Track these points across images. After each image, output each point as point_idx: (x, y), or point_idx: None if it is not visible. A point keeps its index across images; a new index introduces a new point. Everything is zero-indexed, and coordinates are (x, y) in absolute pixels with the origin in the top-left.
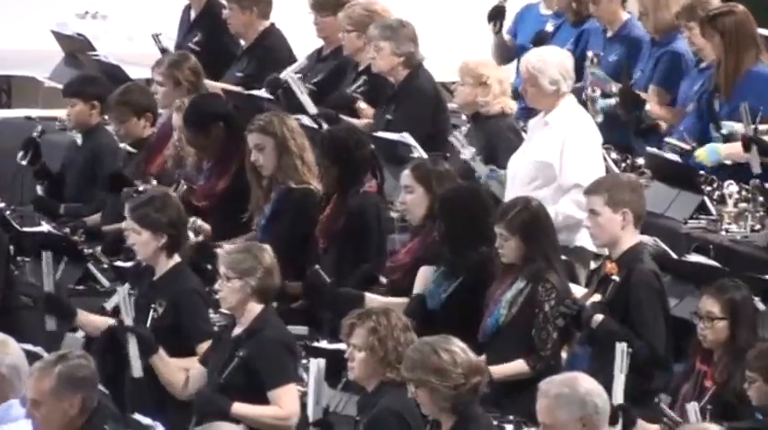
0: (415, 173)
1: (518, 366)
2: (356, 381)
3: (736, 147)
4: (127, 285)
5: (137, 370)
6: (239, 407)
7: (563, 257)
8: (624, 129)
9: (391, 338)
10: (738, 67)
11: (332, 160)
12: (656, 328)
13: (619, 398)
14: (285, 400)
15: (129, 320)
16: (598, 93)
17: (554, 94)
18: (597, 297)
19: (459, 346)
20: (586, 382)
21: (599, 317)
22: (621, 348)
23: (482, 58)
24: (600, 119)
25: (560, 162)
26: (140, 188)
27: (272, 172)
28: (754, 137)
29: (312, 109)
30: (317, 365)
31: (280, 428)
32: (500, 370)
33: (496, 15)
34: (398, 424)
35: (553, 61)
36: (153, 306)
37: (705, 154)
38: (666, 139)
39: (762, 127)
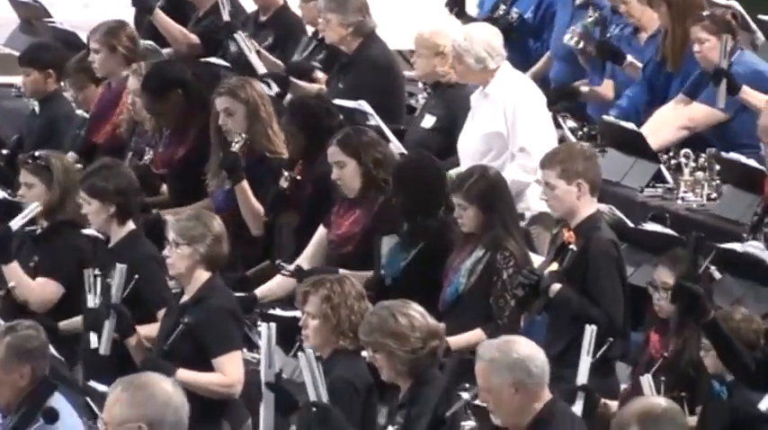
0: (343, 147)
1: (475, 335)
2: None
3: None
4: (90, 269)
5: (105, 347)
6: (183, 373)
7: (523, 224)
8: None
9: (345, 307)
10: (686, 36)
11: (299, 127)
12: (615, 297)
13: (583, 378)
14: (229, 368)
15: (94, 300)
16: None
17: (482, 71)
18: (555, 265)
19: (417, 311)
20: (522, 347)
21: (556, 286)
22: (591, 330)
23: (436, 27)
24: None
25: (506, 129)
26: None
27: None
28: (726, 71)
29: (261, 69)
30: (267, 329)
31: (223, 395)
32: (458, 340)
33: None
34: (350, 393)
35: (479, 39)
36: (111, 273)
37: None
38: (605, 117)
39: None
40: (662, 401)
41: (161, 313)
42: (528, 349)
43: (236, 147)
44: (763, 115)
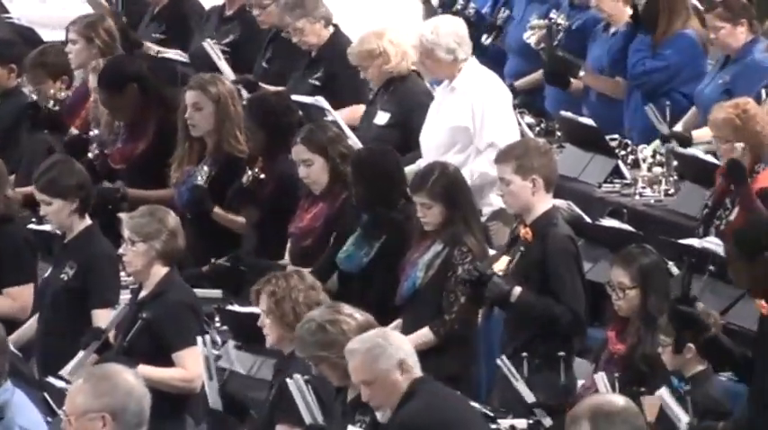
0: (309, 144)
1: (423, 335)
2: (272, 347)
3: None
4: None
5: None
6: (143, 370)
7: (483, 220)
8: (539, 94)
9: (288, 300)
10: (670, 29)
11: (259, 125)
12: (575, 293)
13: (530, 398)
14: (189, 362)
15: None
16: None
17: (453, 63)
18: (504, 259)
19: (345, 313)
20: (391, 335)
21: (517, 290)
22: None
23: (358, 38)
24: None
25: (473, 124)
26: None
27: (203, 134)
28: (672, 134)
29: (230, 75)
30: (203, 345)
31: (184, 390)
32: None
33: None
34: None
35: (447, 31)
36: (64, 269)
37: None
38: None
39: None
40: (618, 400)
41: (98, 313)
42: (396, 336)
43: (200, 181)
44: (714, 109)
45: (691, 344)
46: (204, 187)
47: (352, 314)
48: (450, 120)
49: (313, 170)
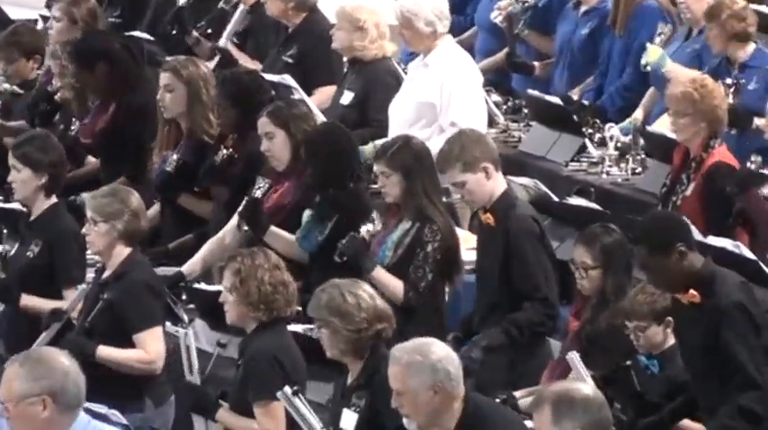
0: (273, 118)
1: (396, 287)
2: (232, 324)
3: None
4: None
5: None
6: (104, 350)
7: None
8: (506, 72)
9: (254, 278)
10: (632, 3)
11: (231, 102)
12: (544, 273)
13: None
14: (150, 344)
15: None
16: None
17: (431, 36)
18: (473, 241)
19: (367, 292)
20: (438, 349)
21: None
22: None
23: (359, 2)
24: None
25: (440, 101)
26: None
27: (174, 116)
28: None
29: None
30: (185, 337)
31: (144, 371)
32: (383, 278)
33: None
34: (272, 367)
35: (427, 3)
36: (30, 246)
37: (656, 54)
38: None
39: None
40: (585, 388)
41: (67, 292)
42: (443, 351)
43: (169, 168)
44: (671, 84)
45: (670, 319)
46: (170, 173)
47: (374, 296)
48: (419, 96)
49: (274, 144)
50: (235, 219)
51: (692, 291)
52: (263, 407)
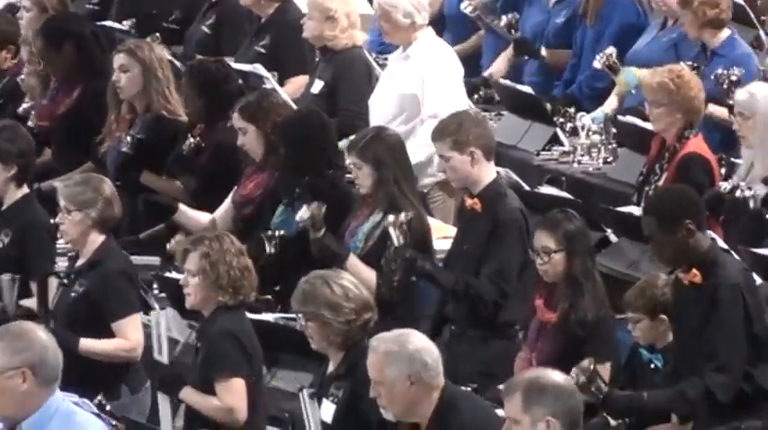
0: (243, 113)
1: (369, 280)
2: (193, 308)
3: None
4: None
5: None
6: (86, 343)
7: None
8: (478, 61)
9: (223, 262)
10: None
11: (198, 92)
12: (511, 266)
13: None
14: (129, 331)
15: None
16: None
17: (410, 28)
18: (445, 231)
19: (351, 281)
20: (417, 339)
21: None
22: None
23: None
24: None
25: (422, 92)
26: None
27: (130, 96)
28: None
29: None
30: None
31: (126, 359)
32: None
33: None
34: (234, 346)
35: None
36: (0, 236)
37: (624, 82)
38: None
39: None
40: (556, 376)
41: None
42: (422, 341)
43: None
44: (648, 75)
45: (664, 316)
46: (127, 153)
47: (358, 285)
48: (401, 88)
49: (247, 139)
50: (226, 204)
51: (694, 271)
52: (224, 382)
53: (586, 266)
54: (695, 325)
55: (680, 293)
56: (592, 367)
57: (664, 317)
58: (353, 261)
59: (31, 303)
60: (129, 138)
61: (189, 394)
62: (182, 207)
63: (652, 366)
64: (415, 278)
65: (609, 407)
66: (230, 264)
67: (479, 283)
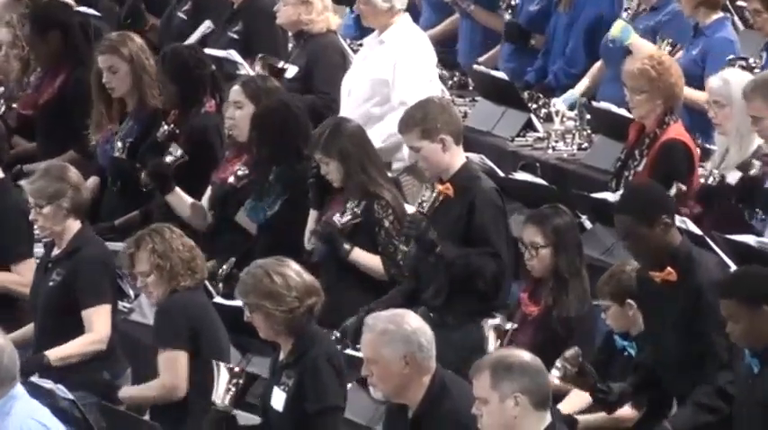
0: (245, 88)
1: (376, 264)
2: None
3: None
4: None
5: None
6: (55, 353)
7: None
8: (452, 47)
9: (172, 250)
10: None
11: (171, 77)
12: (502, 244)
13: None
14: (97, 322)
15: None
16: None
17: (388, 12)
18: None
19: (293, 269)
20: (412, 320)
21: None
22: None
23: None
24: None
25: (393, 78)
26: None
27: (123, 94)
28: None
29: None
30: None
31: (94, 352)
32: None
33: None
34: (179, 315)
35: None
36: None
37: (619, 27)
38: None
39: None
40: (524, 355)
41: (18, 267)
42: (417, 322)
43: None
44: (628, 61)
45: (632, 302)
46: (119, 158)
47: (301, 273)
48: (373, 72)
49: (240, 114)
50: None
51: (668, 269)
52: (166, 354)
53: (573, 263)
54: (672, 323)
55: (648, 290)
56: (580, 359)
57: (632, 302)
58: (357, 251)
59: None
60: (119, 143)
61: (126, 391)
62: (177, 189)
63: (626, 354)
64: (421, 249)
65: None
66: (178, 249)
67: (480, 258)
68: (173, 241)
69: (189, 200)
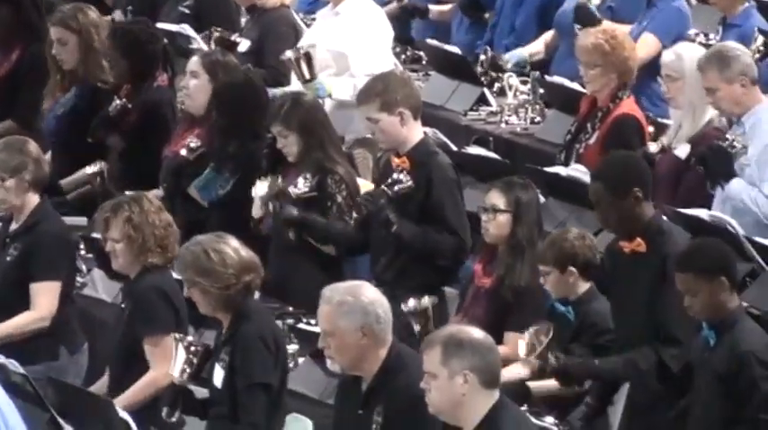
0: (204, 60)
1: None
2: (120, 271)
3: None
4: None
5: None
6: None
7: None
8: (407, 22)
9: (147, 224)
10: None
11: (122, 53)
12: (461, 219)
13: None
14: (42, 299)
15: None
16: None
17: None
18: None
19: (231, 246)
20: (370, 292)
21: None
22: None
23: None
24: None
25: (352, 51)
26: None
27: (72, 66)
28: None
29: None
30: None
31: (37, 329)
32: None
33: None
34: (163, 301)
35: None
36: None
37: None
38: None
39: None
40: (476, 332)
41: None
42: (375, 294)
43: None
44: (581, 35)
45: (573, 268)
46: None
47: (238, 249)
48: (329, 44)
49: (195, 84)
50: None
51: (638, 240)
52: (153, 340)
53: (532, 234)
54: (639, 294)
55: (618, 262)
56: (551, 335)
57: (573, 269)
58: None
59: None
60: (62, 110)
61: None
62: None
63: (565, 319)
64: (376, 223)
65: (563, 374)
66: (154, 223)
67: (439, 235)
68: (149, 214)
69: None
